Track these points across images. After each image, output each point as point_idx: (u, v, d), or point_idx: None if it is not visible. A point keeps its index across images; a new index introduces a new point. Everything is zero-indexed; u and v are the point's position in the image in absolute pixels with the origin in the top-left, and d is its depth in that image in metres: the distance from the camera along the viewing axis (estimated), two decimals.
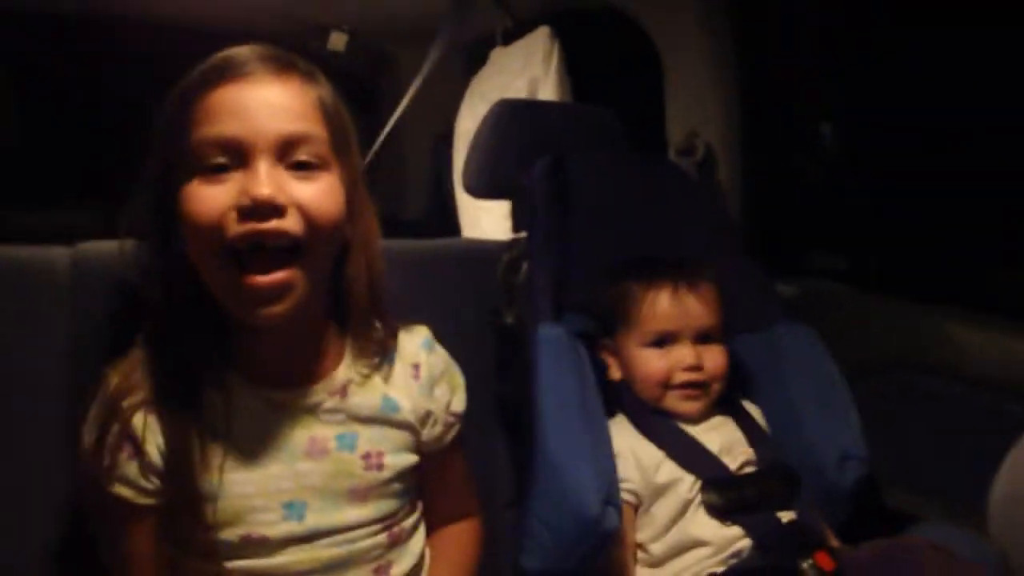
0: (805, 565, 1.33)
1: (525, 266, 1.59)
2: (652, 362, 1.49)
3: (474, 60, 2.68)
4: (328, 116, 1.13)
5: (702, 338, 1.49)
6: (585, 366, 1.47)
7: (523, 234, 1.65)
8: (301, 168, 1.09)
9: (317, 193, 1.09)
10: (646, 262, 1.55)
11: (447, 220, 2.76)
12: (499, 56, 2.57)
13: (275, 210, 1.05)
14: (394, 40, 2.79)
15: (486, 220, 2.54)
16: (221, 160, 1.06)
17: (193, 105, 1.08)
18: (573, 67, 2.30)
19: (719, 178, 2.05)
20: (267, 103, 1.08)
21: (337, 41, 2.77)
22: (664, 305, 1.49)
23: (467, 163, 1.78)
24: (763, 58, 2.19)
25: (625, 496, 1.42)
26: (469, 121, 2.62)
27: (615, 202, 1.69)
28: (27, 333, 1.34)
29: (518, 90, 2.34)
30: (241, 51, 1.11)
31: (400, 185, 3.09)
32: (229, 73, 1.08)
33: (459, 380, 1.33)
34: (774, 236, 2.15)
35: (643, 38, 2.18)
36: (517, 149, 1.70)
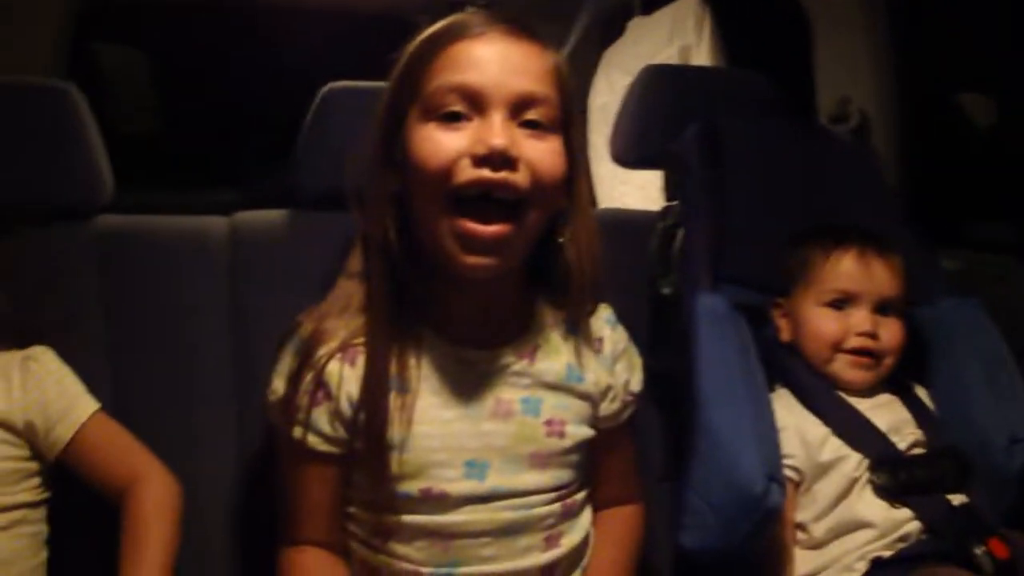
0: (979, 552, 1.26)
1: (680, 235, 1.54)
2: (827, 322, 1.43)
3: (606, 33, 2.65)
4: (562, 83, 1.14)
5: (882, 308, 1.43)
6: (746, 337, 1.42)
7: (673, 203, 1.61)
8: (532, 127, 1.09)
9: (546, 152, 1.10)
10: (832, 226, 1.49)
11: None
12: (638, 26, 2.53)
13: (507, 161, 1.05)
14: (529, 14, 2.76)
15: (628, 194, 2.51)
16: (458, 108, 1.08)
17: (436, 54, 1.10)
18: (725, 32, 2.25)
19: (874, 145, 1.97)
20: (508, 60, 1.09)
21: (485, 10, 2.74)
22: (849, 265, 1.43)
23: (615, 132, 1.74)
24: (919, 21, 2.09)
25: (787, 472, 1.36)
26: (605, 94, 2.59)
27: (771, 169, 1.62)
28: (192, 294, 1.42)
29: (668, 59, 2.31)
30: (475, 16, 1.13)
31: None
32: (468, 31, 1.10)
33: (638, 360, 1.32)
34: (934, 206, 2.06)
35: (792, 2, 2.11)
36: (668, 115, 1.65)
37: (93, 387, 1.28)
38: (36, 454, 1.21)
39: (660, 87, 1.68)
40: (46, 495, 1.22)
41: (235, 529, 1.38)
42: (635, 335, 1.38)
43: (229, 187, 2.97)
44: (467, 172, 1.06)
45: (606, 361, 1.26)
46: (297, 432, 1.15)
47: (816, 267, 1.45)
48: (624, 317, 1.33)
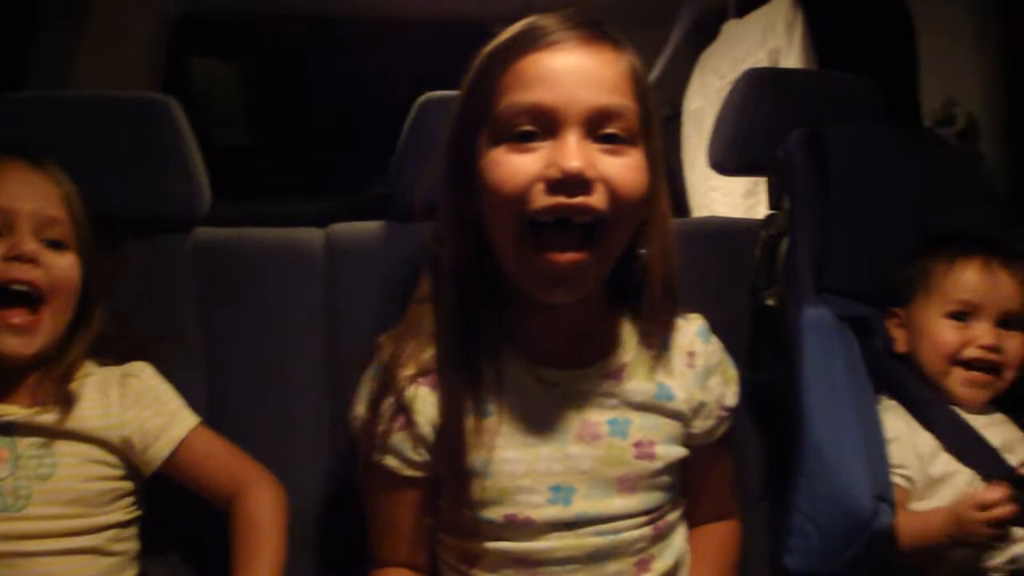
0: None
1: (784, 244, 1.50)
2: (946, 333, 1.38)
3: (701, 36, 2.61)
4: (639, 88, 1.08)
5: (1006, 322, 1.37)
6: (854, 350, 1.38)
7: (777, 211, 1.56)
8: (609, 141, 1.04)
9: (625, 169, 1.04)
10: (956, 235, 1.44)
11: (676, 202, 2.70)
12: (732, 29, 2.50)
13: (583, 184, 1.01)
14: (614, 21, 2.74)
15: (718, 201, 2.47)
16: (529, 128, 1.03)
17: (501, 71, 1.05)
18: (818, 35, 2.20)
19: (983, 148, 1.90)
20: (580, 72, 1.03)
21: (554, 13, 2.72)
22: (973, 275, 1.39)
23: (714, 138, 1.70)
24: None
25: (900, 481, 1.32)
26: (699, 99, 2.56)
27: (878, 176, 1.56)
28: (288, 306, 1.43)
29: (758, 62, 2.27)
30: (548, 19, 1.07)
31: None
32: (539, 41, 1.04)
33: (733, 373, 1.27)
34: None
35: (894, 1, 2.05)
36: (770, 120, 1.61)
37: (190, 399, 1.30)
38: (131, 473, 1.22)
39: (762, 91, 1.63)
40: (138, 514, 1.23)
41: (326, 546, 1.38)
42: (734, 347, 1.35)
43: (325, 199, 3.00)
44: (542, 198, 1.02)
45: (699, 376, 1.21)
46: (378, 456, 1.14)
47: (939, 276, 1.41)
48: (723, 328, 1.30)
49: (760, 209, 2.20)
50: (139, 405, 1.21)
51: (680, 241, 1.51)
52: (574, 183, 1.00)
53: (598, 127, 1.03)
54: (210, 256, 1.44)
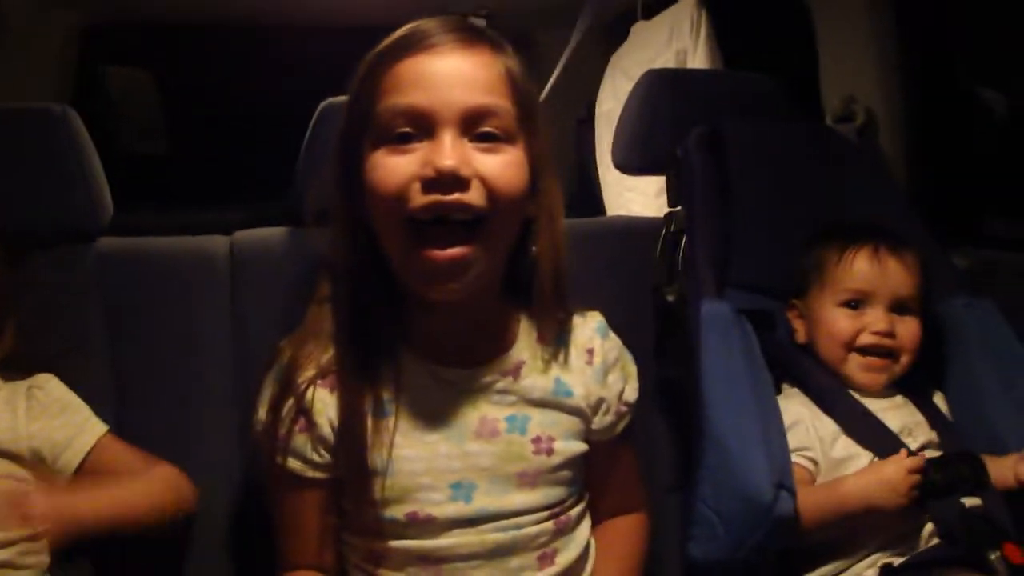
0: (993, 557, 1.25)
1: (684, 241, 1.53)
2: (841, 321, 1.42)
3: (612, 38, 2.64)
4: (516, 89, 1.11)
5: (898, 307, 1.42)
6: (752, 343, 1.40)
7: (677, 209, 1.59)
8: (486, 140, 1.07)
9: (501, 166, 1.07)
10: (846, 226, 1.48)
11: (592, 204, 2.73)
12: (641, 31, 2.52)
13: (458, 182, 1.03)
14: (530, 21, 2.76)
15: (634, 200, 2.50)
16: (406, 130, 1.06)
17: (381, 75, 1.08)
18: (722, 35, 2.23)
19: (881, 144, 1.95)
20: (455, 74, 1.06)
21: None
22: (863, 264, 1.43)
23: (616, 138, 1.73)
24: (925, 14, 2.07)
25: (804, 463, 1.36)
26: (611, 100, 2.59)
27: (777, 171, 1.61)
28: (194, 313, 1.43)
29: (665, 63, 2.29)
30: (429, 23, 1.10)
31: None
32: (417, 44, 1.07)
33: (632, 369, 1.29)
34: (944, 203, 2.03)
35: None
36: (670, 120, 1.64)
37: (98, 408, 1.29)
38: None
39: (661, 91, 1.66)
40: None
41: (235, 551, 1.39)
42: (642, 343, 1.37)
43: (235, 206, 2.98)
44: (419, 197, 1.04)
45: (597, 373, 1.23)
46: (280, 458, 1.15)
47: (830, 267, 1.45)
48: (631, 325, 1.33)
49: None
50: (46, 416, 1.21)
51: (588, 239, 1.55)
52: (449, 181, 1.03)
53: (474, 126, 1.06)
54: (114, 266, 1.43)
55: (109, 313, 1.40)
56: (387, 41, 1.11)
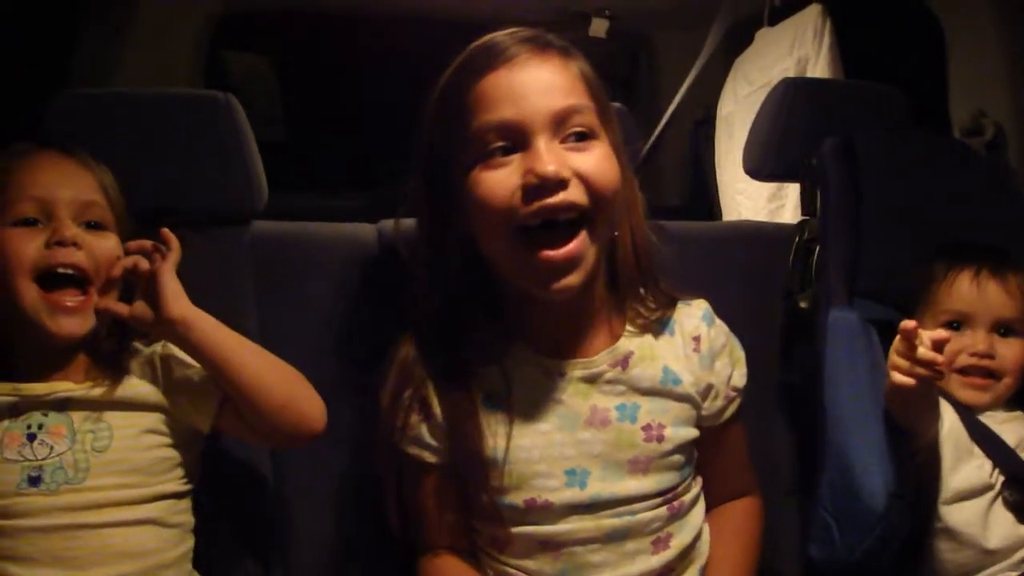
0: None
1: (817, 249, 1.55)
2: None
3: (735, 42, 2.64)
4: (591, 87, 1.17)
5: (1001, 329, 1.41)
6: (878, 353, 1.42)
7: (810, 217, 1.62)
8: (576, 139, 1.12)
9: (595, 161, 1.12)
10: (955, 246, 1.48)
11: (707, 206, 2.74)
12: (763, 37, 2.53)
13: (560, 184, 1.09)
14: (653, 24, 2.78)
15: (743, 204, 2.51)
16: (501, 144, 1.11)
17: (465, 95, 1.13)
18: (846, 44, 2.22)
19: (1010, 159, 1.94)
20: (537, 83, 1.11)
21: (598, 27, 2.77)
22: (963, 286, 1.43)
23: (749, 144, 1.75)
24: None
25: None
26: (731, 104, 2.59)
27: (908, 184, 1.61)
28: (340, 300, 1.48)
29: (785, 70, 2.29)
30: (498, 37, 1.15)
31: (657, 172, 3.07)
32: (495, 60, 1.12)
33: (740, 354, 1.32)
34: None
35: (922, 12, 2.08)
36: (804, 128, 1.65)
37: None
38: (184, 439, 1.26)
39: (796, 100, 1.68)
40: (190, 486, 1.27)
41: (364, 517, 1.43)
42: (766, 348, 1.39)
43: (351, 193, 3.03)
44: (525, 205, 1.09)
45: (704, 359, 1.26)
46: (401, 443, 1.21)
47: (935, 286, 1.45)
48: (755, 329, 1.36)
49: (783, 213, 2.27)
50: (182, 367, 1.25)
51: (717, 243, 1.57)
52: (551, 184, 1.08)
53: (562, 128, 1.11)
54: (268, 249, 1.49)
55: (260, 293, 1.46)
56: (459, 61, 1.16)
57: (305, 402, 1.23)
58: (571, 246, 1.10)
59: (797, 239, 1.59)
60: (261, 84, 3.82)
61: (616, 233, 1.20)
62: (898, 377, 1.25)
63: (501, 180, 1.10)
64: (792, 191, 2.09)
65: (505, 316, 1.21)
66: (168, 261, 1.19)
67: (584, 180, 1.10)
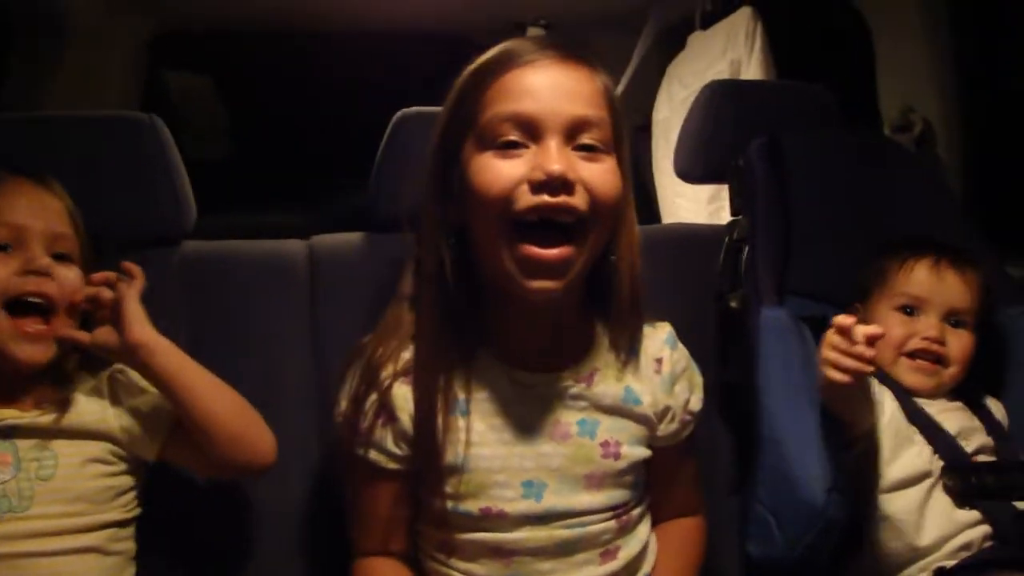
0: None
1: (746, 249, 1.56)
2: (894, 326, 1.45)
3: (670, 47, 2.66)
4: (611, 104, 1.16)
5: (952, 319, 1.45)
6: (810, 349, 1.42)
7: (739, 217, 1.62)
8: (586, 150, 1.12)
9: (602, 173, 1.12)
10: (914, 239, 1.52)
11: (647, 210, 2.75)
12: (697, 40, 2.55)
13: (565, 185, 1.08)
14: (590, 31, 2.79)
15: (683, 207, 2.53)
16: (514, 136, 1.11)
17: (485, 86, 1.14)
18: (778, 45, 2.25)
19: (938, 154, 1.97)
20: (559, 86, 1.12)
21: (534, 35, 2.77)
22: (921, 273, 1.46)
23: (678, 147, 1.76)
24: (981, 25, 2.08)
25: None
26: (667, 108, 2.62)
27: (836, 181, 1.64)
28: (273, 316, 1.48)
29: (719, 73, 2.31)
30: (523, 43, 1.16)
31: None
32: (524, 59, 1.13)
33: (698, 379, 1.33)
34: (1000, 213, 2.04)
35: (850, 11, 2.11)
36: (731, 130, 1.67)
37: None
38: (131, 468, 1.25)
39: (723, 102, 1.69)
40: (136, 513, 1.27)
41: (312, 544, 1.43)
42: (703, 349, 1.40)
43: (300, 210, 3.03)
44: (527, 198, 1.09)
45: (665, 382, 1.27)
46: (361, 450, 1.20)
47: (891, 274, 1.48)
48: (692, 330, 1.36)
49: (723, 214, 2.27)
50: (129, 395, 1.25)
51: (650, 247, 1.57)
52: (557, 184, 1.08)
53: (576, 136, 1.11)
54: (197, 268, 1.48)
55: (192, 313, 1.45)
56: (485, 57, 1.17)
57: (257, 434, 1.26)
58: (561, 249, 1.11)
59: (727, 239, 1.60)
60: (202, 103, 3.80)
61: (613, 257, 1.20)
62: (831, 373, 1.27)
63: (507, 169, 1.10)
64: None
65: (479, 323, 1.21)
66: (133, 288, 1.21)
67: (588, 189, 1.10)
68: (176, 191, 1.47)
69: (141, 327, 1.20)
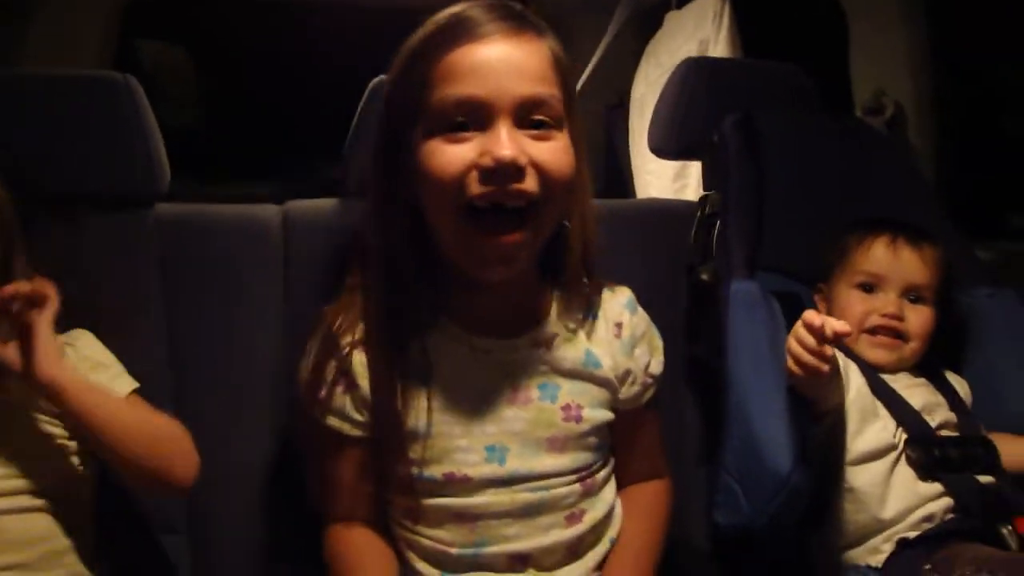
0: (1005, 530, 1.31)
1: (719, 224, 1.58)
2: (854, 303, 1.48)
3: (647, 26, 2.67)
4: (561, 73, 1.14)
5: (911, 295, 1.47)
6: (779, 322, 1.44)
7: (712, 192, 1.64)
8: (538, 127, 1.10)
9: (554, 152, 1.11)
10: (873, 219, 1.54)
11: (619, 187, 2.76)
12: (672, 19, 2.55)
13: (517, 171, 1.07)
14: (567, 6, 2.78)
15: (651, 184, 2.54)
16: (461, 119, 1.08)
17: (431, 64, 1.10)
18: (749, 26, 2.26)
19: (910, 137, 1.99)
20: (508, 64, 1.09)
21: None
22: (879, 250, 1.49)
23: (653, 124, 1.77)
24: (955, 11, 2.10)
25: None
26: (643, 86, 2.62)
27: (808, 160, 1.66)
28: (246, 279, 1.48)
29: (688, 53, 2.31)
30: (473, 10, 1.12)
31: None
32: (466, 34, 1.09)
33: (658, 343, 1.33)
34: (970, 197, 2.07)
35: None
36: (705, 107, 1.68)
37: (151, 369, 1.34)
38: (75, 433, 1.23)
39: (698, 79, 1.70)
40: (87, 472, 1.25)
41: (275, 504, 1.44)
42: (675, 322, 1.41)
43: (269, 181, 3.01)
44: (477, 185, 1.07)
45: (625, 345, 1.28)
46: (322, 416, 1.20)
47: (851, 252, 1.50)
48: (664, 304, 1.38)
49: (687, 192, 2.30)
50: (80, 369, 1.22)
51: (624, 222, 1.59)
52: (507, 171, 1.06)
53: (527, 115, 1.09)
54: (171, 231, 1.48)
55: (165, 275, 1.45)
56: (430, 28, 1.13)
57: (170, 467, 1.21)
58: (514, 236, 1.10)
59: (699, 213, 1.62)
60: (176, 72, 3.77)
61: (566, 223, 1.20)
62: (792, 367, 1.31)
63: (456, 155, 1.08)
64: (695, 170, 2.10)
65: (437, 291, 1.20)
66: (44, 316, 1.13)
67: (539, 169, 1.09)
68: (150, 152, 1.46)
69: (50, 363, 1.12)
